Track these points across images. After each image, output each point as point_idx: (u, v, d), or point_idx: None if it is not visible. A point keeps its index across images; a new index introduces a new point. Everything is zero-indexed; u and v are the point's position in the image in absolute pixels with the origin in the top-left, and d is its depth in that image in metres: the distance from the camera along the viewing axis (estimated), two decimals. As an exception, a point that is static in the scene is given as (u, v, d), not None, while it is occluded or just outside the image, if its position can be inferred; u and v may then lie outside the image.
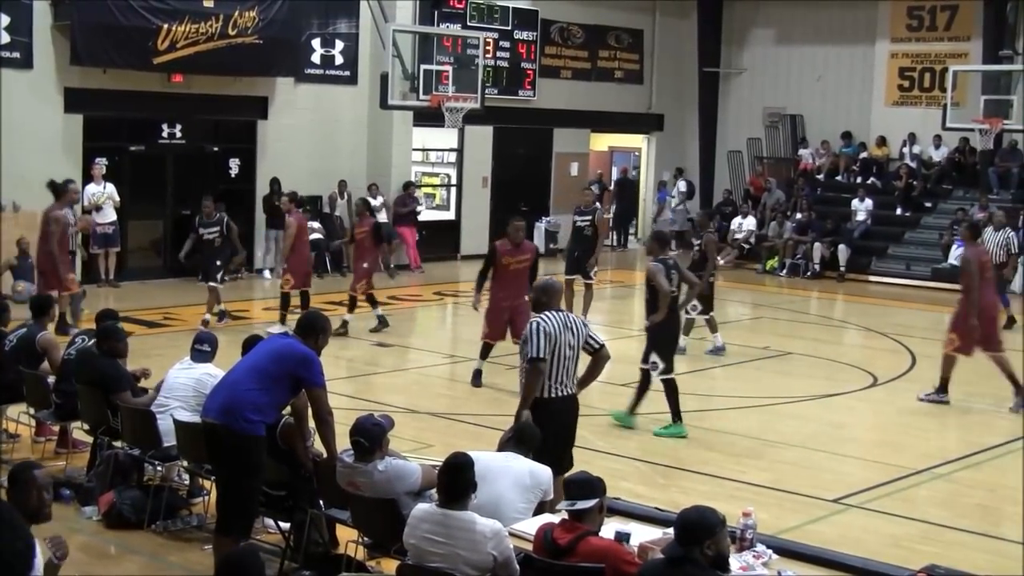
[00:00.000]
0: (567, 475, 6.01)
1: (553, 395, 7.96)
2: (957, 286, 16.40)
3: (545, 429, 7.57)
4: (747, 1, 28.57)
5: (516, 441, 7.02)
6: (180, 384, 8.66)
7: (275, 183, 21.08)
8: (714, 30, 28.92)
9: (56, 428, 10.22)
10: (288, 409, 7.50)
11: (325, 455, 7.40)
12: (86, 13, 18.58)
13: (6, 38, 18.34)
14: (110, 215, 19.21)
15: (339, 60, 22.67)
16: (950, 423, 12.76)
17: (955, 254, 22.31)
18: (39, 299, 10.96)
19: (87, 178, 18.82)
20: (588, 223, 16.90)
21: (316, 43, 22.30)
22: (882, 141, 27.00)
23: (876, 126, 27.15)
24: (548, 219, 26.06)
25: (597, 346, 8.17)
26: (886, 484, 10.14)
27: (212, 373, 8.54)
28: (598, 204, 18.49)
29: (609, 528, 6.08)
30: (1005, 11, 24.93)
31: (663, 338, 11.44)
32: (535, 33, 25.94)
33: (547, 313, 8.04)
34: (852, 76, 27.20)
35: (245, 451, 7.09)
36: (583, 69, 27.37)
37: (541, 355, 7.88)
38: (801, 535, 8.08)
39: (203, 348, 8.84)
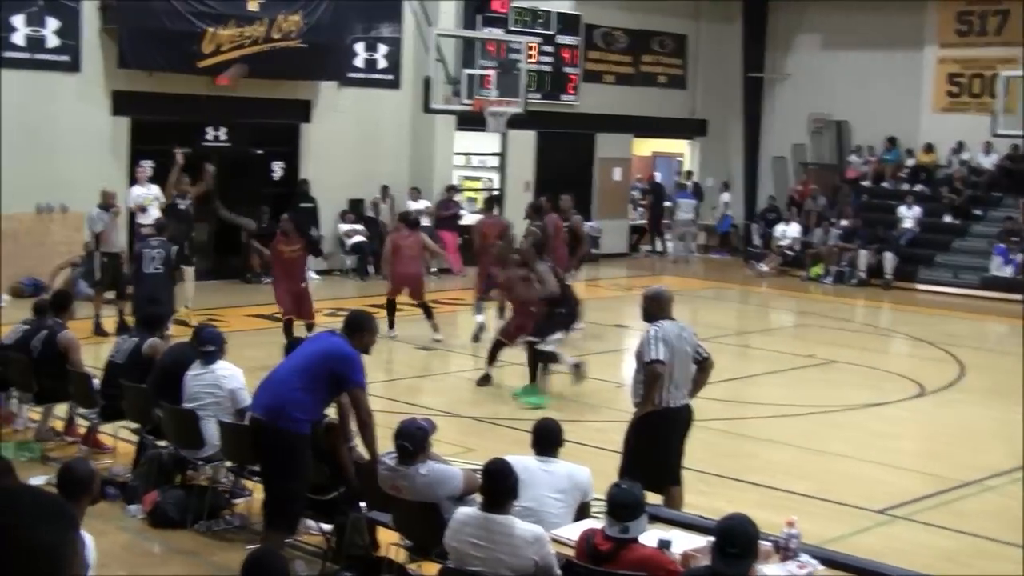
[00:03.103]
0: (612, 492, 5.84)
1: (672, 404, 8.01)
2: (1006, 295, 16.37)
3: (666, 439, 7.83)
4: (792, 5, 28.36)
5: (536, 444, 6.89)
6: (200, 392, 8.63)
7: (304, 184, 21.23)
8: (759, 35, 28.74)
9: (82, 430, 10.31)
10: (332, 409, 7.54)
11: (367, 457, 7.41)
12: (133, 17, 18.81)
13: (55, 41, 18.56)
14: (155, 217, 19.25)
15: (382, 64, 22.73)
16: (999, 434, 12.56)
17: (996, 262, 22.11)
18: (58, 295, 11.01)
19: (132, 180, 18.92)
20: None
21: (359, 47, 22.38)
22: (930, 148, 26.68)
23: (924, 132, 26.82)
24: (591, 224, 25.95)
25: (703, 356, 8.21)
26: (934, 496, 10.01)
27: (226, 373, 8.61)
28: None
29: (652, 535, 6.01)
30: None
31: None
32: (578, 38, 25.89)
33: (662, 321, 8.07)
34: (899, 82, 26.88)
35: (290, 449, 7.17)
36: (626, 74, 27.29)
37: (660, 358, 7.92)
38: (846, 546, 7.95)
39: (209, 348, 8.80)
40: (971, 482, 10.40)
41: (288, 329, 13.89)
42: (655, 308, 8.18)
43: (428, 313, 15.87)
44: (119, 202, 16.49)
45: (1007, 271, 21.19)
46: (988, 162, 25.77)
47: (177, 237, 15.24)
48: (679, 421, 8.09)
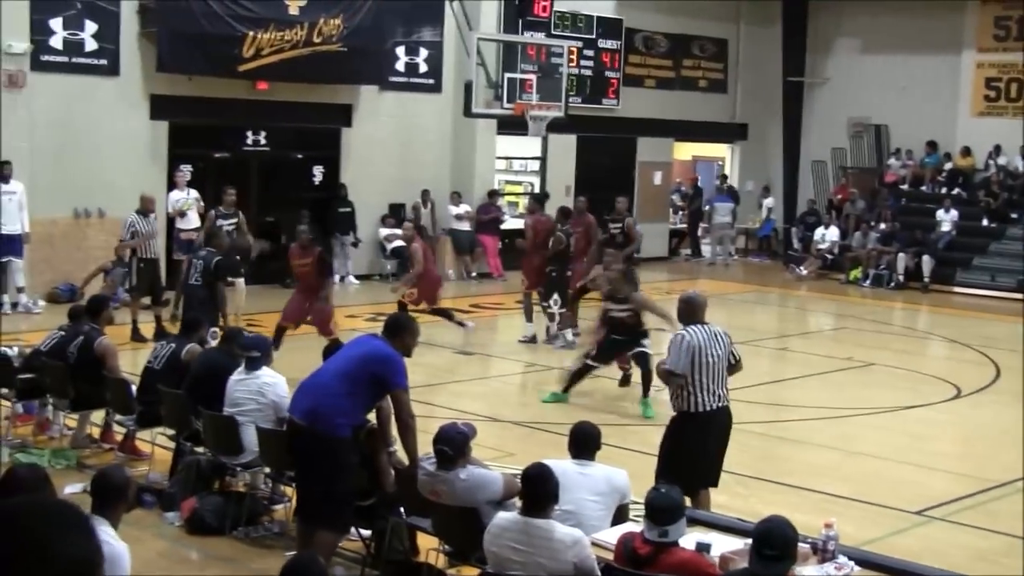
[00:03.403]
0: (651, 496, 5.92)
1: (702, 408, 8.08)
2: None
3: (696, 442, 7.95)
4: (831, 9, 28.29)
5: (573, 447, 6.91)
6: (243, 397, 8.63)
7: (342, 188, 21.40)
8: (799, 39, 28.69)
9: (119, 436, 10.36)
10: (373, 414, 7.58)
11: (407, 462, 7.45)
12: (172, 20, 18.86)
13: (93, 45, 18.66)
14: (194, 221, 19.33)
15: (423, 68, 22.84)
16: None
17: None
18: (93, 300, 11.04)
19: (171, 185, 19.09)
20: (619, 230, 17.29)
21: (400, 51, 22.48)
22: (967, 152, 26.57)
23: (961, 136, 26.70)
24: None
25: (734, 360, 8.33)
26: (970, 496, 10.04)
27: (270, 382, 8.61)
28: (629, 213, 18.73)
29: (690, 538, 6.07)
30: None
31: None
32: (619, 42, 25.92)
33: (692, 327, 8.19)
34: (937, 86, 26.79)
35: (333, 453, 7.19)
36: (667, 78, 27.30)
37: (669, 366, 8.16)
38: (883, 547, 7.99)
39: (254, 354, 8.79)
40: (1005, 483, 10.41)
41: (277, 336, 13.32)
42: (686, 313, 8.34)
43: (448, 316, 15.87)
44: (158, 207, 16.64)
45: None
46: (1024, 166, 25.66)
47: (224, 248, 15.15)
48: (712, 424, 8.15)
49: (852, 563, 6.00)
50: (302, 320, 13.89)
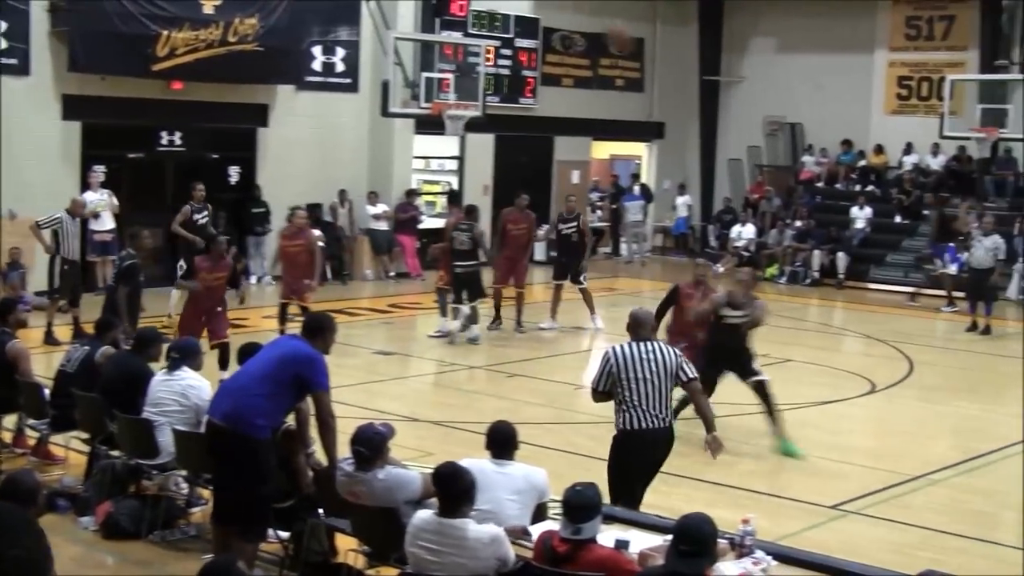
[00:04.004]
0: (566, 494, 5.93)
1: (636, 427, 7.80)
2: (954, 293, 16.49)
3: (630, 460, 7.77)
4: (747, 9, 28.62)
5: (490, 447, 6.89)
6: (165, 398, 8.52)
7: (256, 188, 21.25)
8: (715, 38, 29.01)
9: (32, 441, 10.16)
10: (291, 416, 7.52)
11: (326, 463, 7.40)
12: (84, 19, 18.52)
13: (3, 44, 18.27)
14: (108, 223, 19.05)
15: (340, 68, 22.70)
16: (947, 429, 12.80)
17: (948, 260, 22.53)
18: (0, 304, 10.81)
19: (85, 186, 18.76)
20: (574, 229, 17.55)
21: (317, 50, 22.31)
22: (880, 149, 27.06)
23: (875, 134, 27.23)
24: (547, 227, 26.02)
25: (685, 379, 7.96)
26: (884, 490, 10.20)
27: (194, 384, 8.51)
28: (579, 211, 18.85)
29: (609, 536, 6.08)
30: (1001, 21, 25.05)
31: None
32: (536, 41, 25.97)
33: (621, 344, 7.99)
34: (851, 85, 27.25)
35: (253, 455, 7.13)
36: (584, 77, 27.42)
37: (594, 386, 8.01)
38: (800, 541, 8.07)
39: (173, 355, 8.73)
40: (919, 476, 10.59)
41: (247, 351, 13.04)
42: (629, 328, 8.13)
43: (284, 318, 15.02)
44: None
45: (952, 269, 21.61)
46: (936, 163, 26.19)
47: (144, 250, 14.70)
48: (644, 443, 7.84)
49: (769, 558, 6.05)
50: (200, 331, 13.02)
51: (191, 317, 13.18)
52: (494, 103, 23.83)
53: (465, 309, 16.40)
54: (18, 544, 2.31)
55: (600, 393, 8.00)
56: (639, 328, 8.08)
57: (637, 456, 7.89)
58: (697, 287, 12.26)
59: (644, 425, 7.79)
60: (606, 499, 7.46)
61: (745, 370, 11.45)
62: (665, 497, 9.28)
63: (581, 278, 17.59)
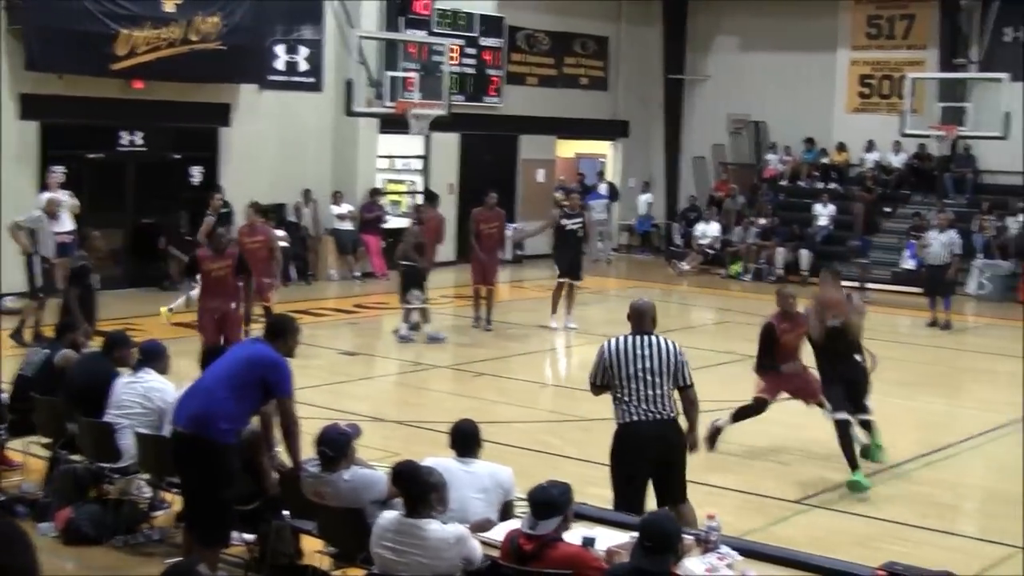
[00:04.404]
0: (530, 491, 5.94)
1: (628, 420, 7.65)
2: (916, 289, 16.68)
3: (626, 455, 7.63)
4: (711, 8, 28.72)
5: (455, 445, 6.89)
6: (128, 400, 8.43)
7: (218, 188, 21.07)
8: (679, 37, 29.10)
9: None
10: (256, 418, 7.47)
11: (290, 465, 7.36)
12: (41, 17, 18.27)
13: (-43, 43, 18.01)
14: (68, 224, 18.80)
15: (303, 66, 22.59)
16: (910, 423, 12.87)
17: (908, 256, 22.81)
18: None
19: (43, 187, 18.53)
20: (579, 225, 17.57)
21: (280, 49, 22.20)
22: (842, 147, 27.23)
23: (837, 132, 27.39)
24: (515, 226, 26.05)
25: (682, 384, 7.77)
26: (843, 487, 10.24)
27: (158, 387, 8.43)
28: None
29: (576, 533, 6.09)
30: (960, 20, 25.28)
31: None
32: (501, 40, 25.96)
33: (616, 336, 7.84)
34: (814, 83, 27.41)
35: (218, 460, 7.08)
36: (549, 76, 27.44)
37: (591, 380, 7.89)
38: (765, 536, 8.11)
39: (141, 357, 8.68)
40: (882, 469, 10.64)
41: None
42: (629, 319, 7.96)
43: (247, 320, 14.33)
44: (30, 210, 16.22)
45: (912, 265, 21.86)
46: (897, 161, 26.37)
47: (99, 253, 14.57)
48: (639, 437, 7.66)
49: (735, 553, 6.07)
50: (215, 332, 12.80)
51: (204, 315, 13.02)
52: (459, 102, 23.81)
53: (416, 306, 16.35)
54: (14, 554, 2.31)
55: (598, 387, 7.89)
56: (638, 320, 7.90)
57: (633, 451, 7.73)
58: (786, 318, 11.20)
59: (637, 419, 7.63)
60: (616, 500, 7.54)
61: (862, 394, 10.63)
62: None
63: (581, 273, 17.75)
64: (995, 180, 25.48)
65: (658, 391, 7.66)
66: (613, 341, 7.81)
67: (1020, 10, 24.83)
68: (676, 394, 7.84)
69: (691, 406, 7.92)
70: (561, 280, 17.55)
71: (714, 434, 10.72)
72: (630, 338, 7.80)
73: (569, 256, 17.64)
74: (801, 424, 12.57)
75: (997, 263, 23.02)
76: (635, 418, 7.64)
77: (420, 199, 22.23)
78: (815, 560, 6.41)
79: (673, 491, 7.78)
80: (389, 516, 6.03)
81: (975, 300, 22.18)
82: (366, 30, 21.95)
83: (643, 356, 7.70)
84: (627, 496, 7.64)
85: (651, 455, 7.71)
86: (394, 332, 16.51)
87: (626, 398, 7.66)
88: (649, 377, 7.65)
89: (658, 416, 7.65)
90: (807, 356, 10.71)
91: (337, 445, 6.77)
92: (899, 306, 21.24)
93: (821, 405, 10.60)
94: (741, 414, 10.95)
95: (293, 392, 7.27)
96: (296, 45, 22.48)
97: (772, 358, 10.94)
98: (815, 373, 10.61)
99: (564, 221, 17.63)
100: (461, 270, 18.03)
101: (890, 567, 5.91)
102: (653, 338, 7.81)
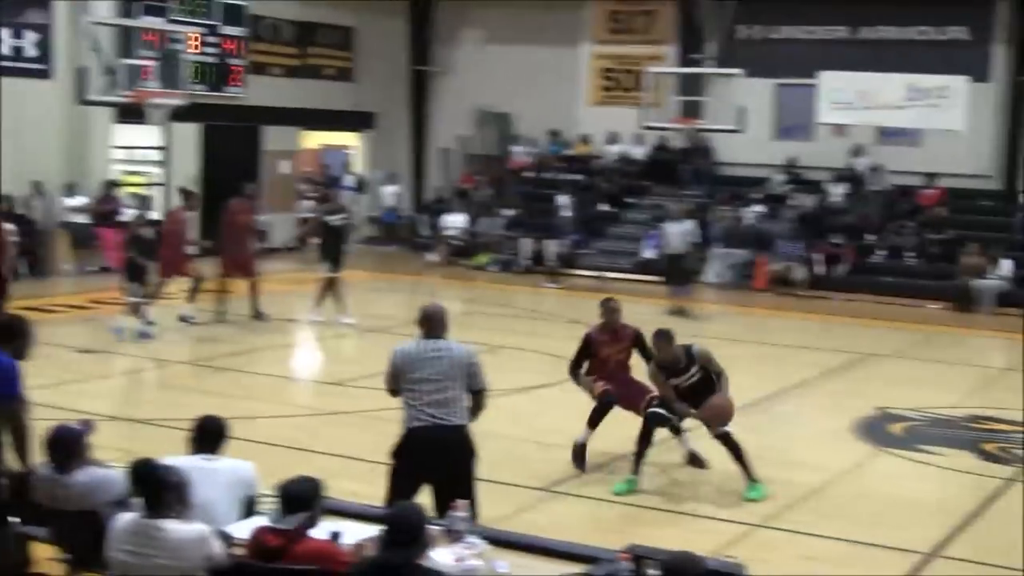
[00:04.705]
0: (280, 484, 5.84)
1: (413, 425, 7.53)
2: (656, 278, 17.23)
3: (407, 459, 7.50)
4: (456, 2, 28.93)
5: (197, 442, 6.77)
6: None
7: None
8: (424, 29, 29.24)
9: None
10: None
11: (18, 469, 7.00)
12: None
13: None
14: None
15: (31, 52, 21.56)
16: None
17: (648, 246, 23.65)
18: None
19: None
20: (343, 220, 17.82)
21: (5, 33, 21.11)
22: (586, 140, 27.92)
23: (582, 125, 28.06)
24: (258, 218, 25.53)
25: (475, 388, 7.70)
26: (591, 472, 10.49)
27: None
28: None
29: (324, 527, 6.00)
30: (697, 18, 26.30)
31: None
32: (243, 29, 25.47)
33: (407, 341, 7.77)
34: (558, 76, 28.00)
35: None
36: (293, 66, 27.10)
37: (386, 386, 7.78)
38: (513, 524, 8.22)
39: None
40: (620, 455, 10.88)
41: None
42: (419, 324, 7.87)
43: None
44: None
45: (652, 254, 22.66)
46: (639, 153, 27.21)
47: None
48: (417, 443, 7.56)
49: (483, 542, 6.11)
50: None
51: None
52: (200, 92, 23.23)
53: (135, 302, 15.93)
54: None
55: (395, 391, 7.75)
56: (428, 325, 7.81)
57: (415, 456, 7.59)
58: (606, 330, 11.11)
59: (421, 423, 7.52)
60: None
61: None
62: (379, 487, 9.26)
63: (340, 267, 17.70)
64: (732, 172, 26.63)
65: (447, 395, 7.58)
66: (402, 346, 7.74)
67: (754, 9, 25.98)
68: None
69: (477, 409, 7.85)
70: (330, 276, 17.47)
71: (580, 451, 10.63)
72: (420, 343, 7.73)
73: (335, 250, 17.64)
74: (546, 412, 12.86)
75: (733, 252, 24.04)
76: (419, 423, 7.55)
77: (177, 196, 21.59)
78: (560, 546, 6.53)
79: (457, 494, 7.47)
80: (127, 517, 5.82)
81: (714, 288, 23.09)
82: (99, 16, 21.11)
83: (432, 360, 7.62)
84: (401, 496, 7.53)
85: (438, 463, 7.61)
86: (113, 329, 15.96)
87: (413, 402, 7.57)
88: (440, 380, 7.57)
89: (444, 422, 7.56)
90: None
91: (67, 444, 6.50)
92: (640, 294, 21.85)
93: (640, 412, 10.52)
94: (595, 419, 10.79)
95: (21, 395, 6.96)
96: (22, 29, 21.41)
97: (580, 366, 10.99)
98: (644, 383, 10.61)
99: (328, 217, 17.71)
100: (209, 263, 17.59)
101: (633, 549, 6.07)
102: (443, 343, 7.76)
